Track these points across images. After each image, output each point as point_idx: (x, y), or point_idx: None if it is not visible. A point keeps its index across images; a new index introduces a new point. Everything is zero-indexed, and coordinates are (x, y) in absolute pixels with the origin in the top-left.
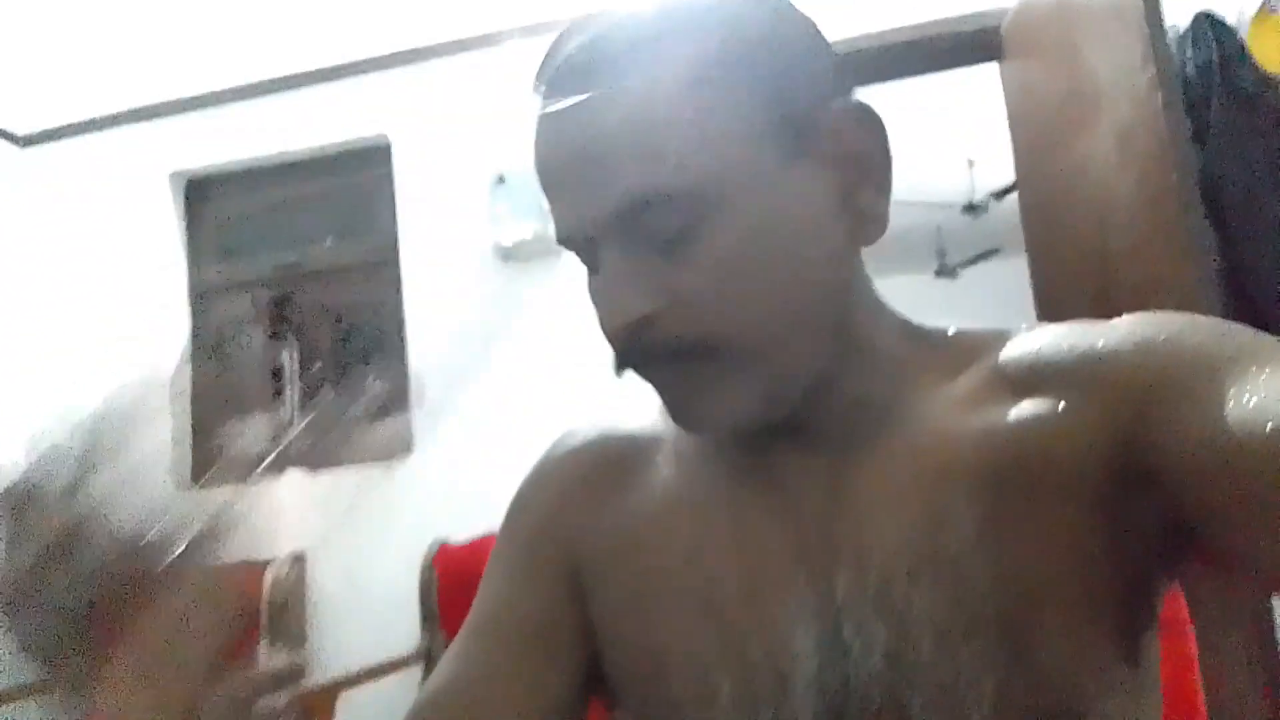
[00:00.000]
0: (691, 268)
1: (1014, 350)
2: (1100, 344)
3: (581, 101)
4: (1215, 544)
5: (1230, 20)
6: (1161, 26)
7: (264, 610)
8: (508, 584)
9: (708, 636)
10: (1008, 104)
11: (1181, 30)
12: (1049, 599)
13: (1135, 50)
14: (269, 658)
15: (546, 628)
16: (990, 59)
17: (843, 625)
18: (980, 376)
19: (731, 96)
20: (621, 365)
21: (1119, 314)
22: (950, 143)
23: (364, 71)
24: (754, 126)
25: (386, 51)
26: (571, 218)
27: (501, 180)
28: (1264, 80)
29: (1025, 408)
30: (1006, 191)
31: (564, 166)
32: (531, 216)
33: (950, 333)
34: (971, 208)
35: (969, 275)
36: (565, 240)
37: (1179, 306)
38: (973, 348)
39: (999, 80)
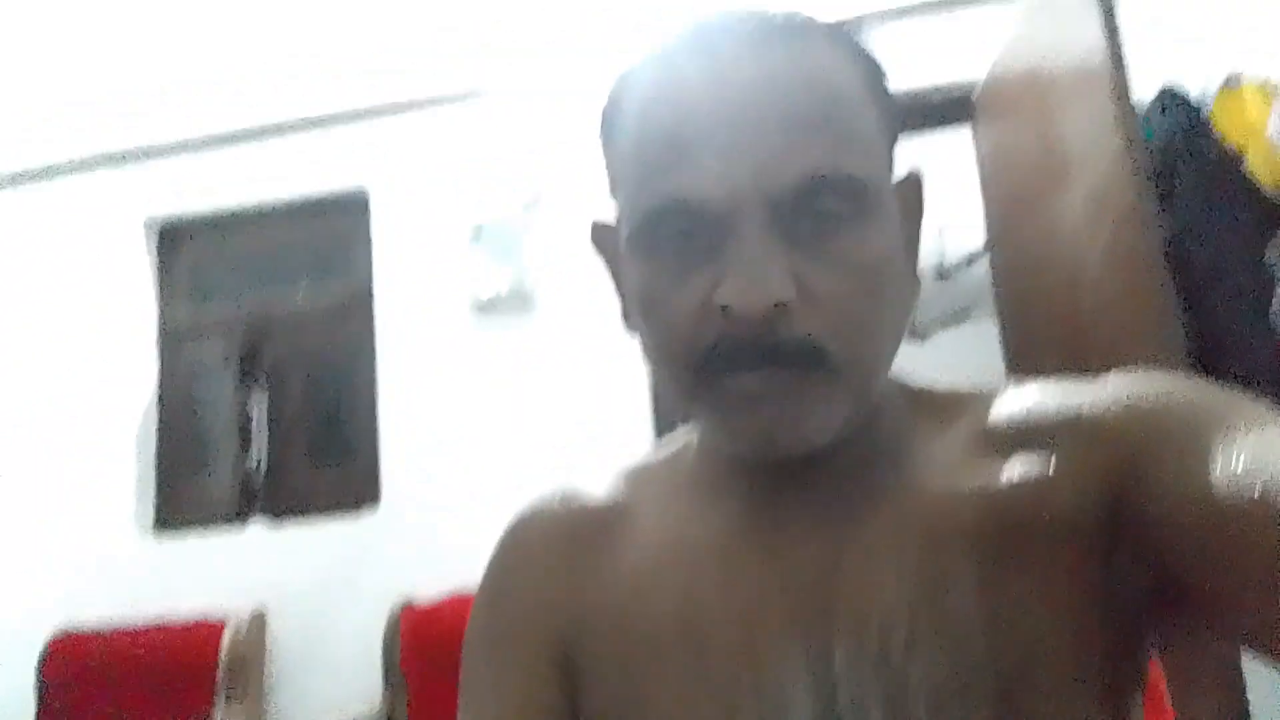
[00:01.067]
0: (836, 261)
1: (1003, 408)
2: (1088, 403)
3: (770, 35)
4: (1199, 604)
5: (1194, 94)
6: (1128, 95)
7: (221, 669)
8: (495, 692)
9: (700, 701)
10: (980, 168)
11: (1148, 104)
12: (1042, 662)
13: (1105, 117)
14: (226, 715)
15: None
16: (962, 122)
17: (838, 697)
18: (971, 433)
19: (882, 106)
20: (732, 358)
21: (1090, 372)
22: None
23: (344, 122)
24: (889, 147)
25: (367, 103)
26: (721, 183)
27: (479, 233)
28: (1227, 154)
29: (1016, 466)
30: (977, 257)
31: (735, 115)
32: (508, 270)
33: (939, 390)
34: (943, 271)
35: (940, 338)
36: (685, 206)
37: (1148, 366)
38: (961, 404)
39: (969, 148)
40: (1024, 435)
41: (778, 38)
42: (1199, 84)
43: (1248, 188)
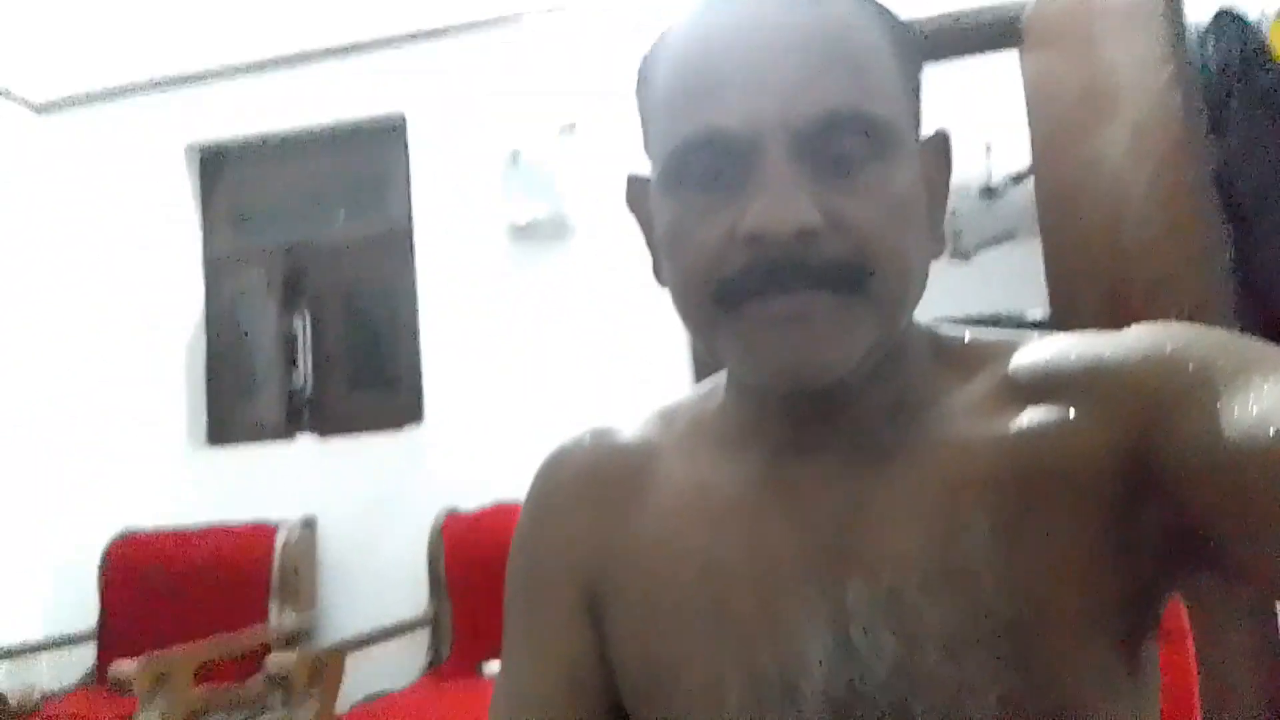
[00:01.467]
0: (861, 195)
1: (1024, 359)
2: (1108, 354)
3: (804, 6)
4: (1219, 551)
5: (1252, 18)
6: (1181, 23)
7: (274, 572)
8: (529, 641)
9: (719, 645)
10: (1026, 92)
11: (1203, 27)
12: (1055, 608)
13: (1154, 46)
14: (279, 618)
15: (579, 682)
16: (1010, 47)
17: (851, 634)
18: (992, 384)
19: (905, 65)
20: (759, 282)
21: (1131, 307)
22: (967, 127)
23: (381, 48)
24: (911, 101)
25: (404, 29)
26: (746, 113)
27: (516, 159)
28: None
29: (1035, 416)
30: (1023, 177)
31: (760, 56)
32: (545, 196)
33: (966, 339)
34: (988, 191)
35: (983, 258)
36: (712, 136)
37: (1191, 303)
38: (984, 355)
39: (1017, 67)
40: (1045, 385)
41: None
42: (1256, 8)
43: None
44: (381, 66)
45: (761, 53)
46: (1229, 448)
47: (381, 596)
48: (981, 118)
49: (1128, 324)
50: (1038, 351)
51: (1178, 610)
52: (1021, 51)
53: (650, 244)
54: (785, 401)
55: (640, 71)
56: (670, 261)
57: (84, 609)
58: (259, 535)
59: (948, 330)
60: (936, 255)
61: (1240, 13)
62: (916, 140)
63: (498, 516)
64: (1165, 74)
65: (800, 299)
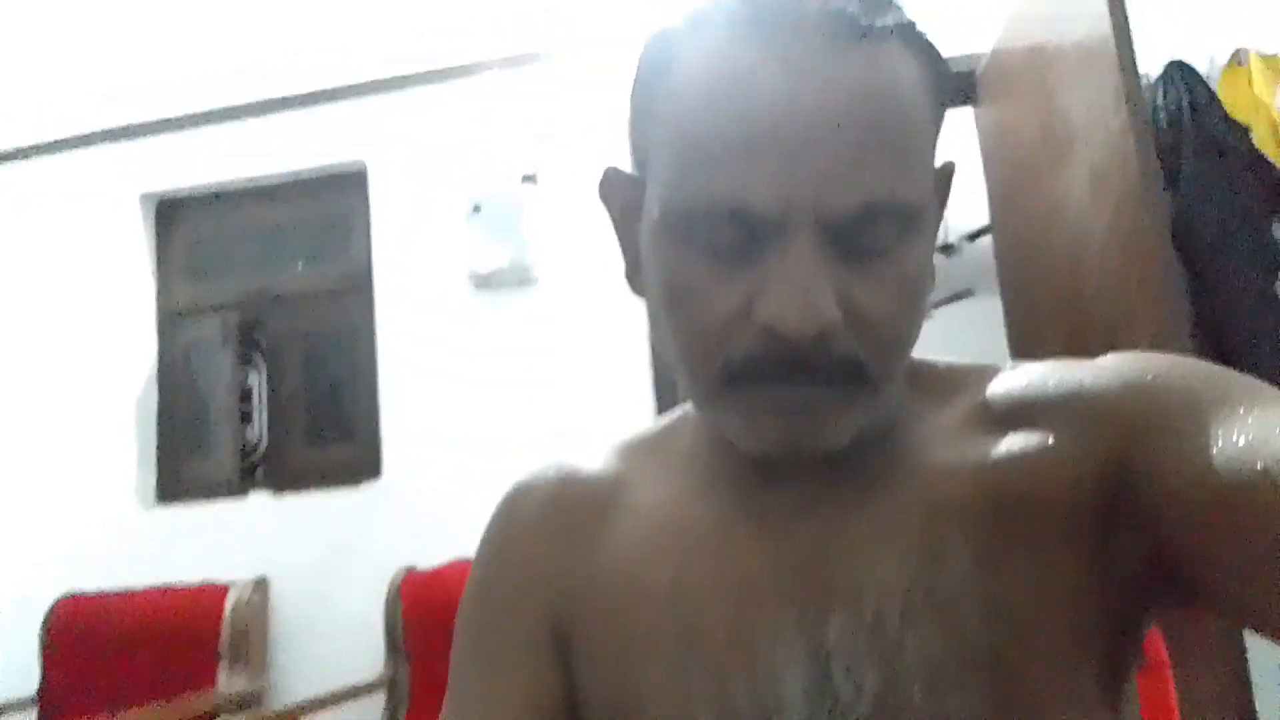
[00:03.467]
0: (881, 283)
1: (1001, 385)
2: (1087, 381)
3: (843, 40)
4: (1199, 580)
5: (1201, 69)
6: (1135, 70)
7: (224, 634)
8: (489, 673)
9: (690, 679)
10: (982, 146)
11: (1153, 78)
12: (1038, 638)
13: (1107, 94)
14: (229, 682)
15: (535, 714)
16: (964, 103)
17: (832, 669)
18: (969, 410)
19: (936, 116)
20: (769, 373)
21: (1092, 353)
22: None
23: (342, 98)
24: (933, 162)
25: (365, 78)
26: (777, 195)
27: (477, 209)
28: (1233, 128)
29: (1015, 443)
30: (980, 234)
31: (798, 129)
32: (507, 244)
33: (940, 367)
34: (946, 249)
35: (942, 314)
36: (735, 212)
37: (1151, 346)
38: (960, 381)
39: (971, 124)
40: (1022, 412)
41: (850, 35)
42: (1204, 60)
43: (1254, 161)
44: (342, 116)
45: (802, 124)
46: (1213, 479)
47: (336, 658)
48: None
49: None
50: (1015, 378)
51: (1158, 641)
52: (976, 107)
53: (623, 246)
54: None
55: (642, 72)
56: (670, 317)
57: (24, 675)
58: (208, 596)
59: (922, 358)
60: (930, 289)
61: (1190, 64)
62: (933, 187)
63: (458, 574)
64: (1119, 120)
65: (805, 392)
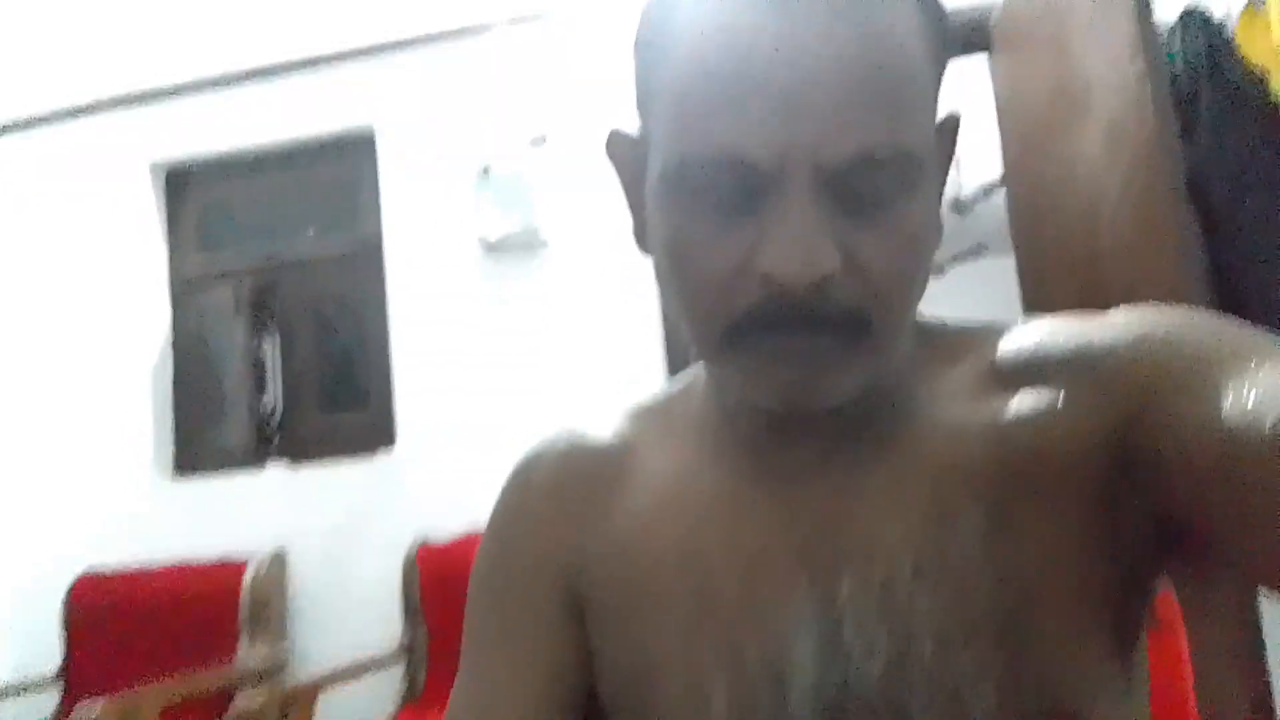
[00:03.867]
0: (881, 234)
1: (1010, 343)
2: (1097, 338)
3: (851, 6)
4: (1211, 539)
5: (1217, 16)
6: (1150, 20)
7: (243, 607)
8: (502, 641)
9: (703, 643)
10: (996, 98)
11: (1169, 25)
12: (1048, 598)
13: (1124, 44)
14: (248, 654)
15: (562, 690)
16: (979, 50)
17: (844, 629)
18: (978, 370)
19: (938, 64)
20: (771, 323)
21: (1106, 309)
22: None
23: (348, 60)
24: (937, 103)
25: (373, 41)
26: (774, 143)
27: (486, 173)
28: (1251, 75)
29: (1024, 402)
30: (993, 189)
31: (795, 78)
32: (516, 209)
33: (949, 325)
34: (959, 205)
35: (956, 273)
36: (733, 162)
37: (1167, 303)
38: (969, 340)
39: (983, 77)
40: (1032, 372)
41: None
42: (1221, 6)
43: (1272, 110)
44: (349, 79)
45: (797, 73)
46: (1224, 435)
47: (355, 629)
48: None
49: None
50: (1024, 336)
51: (1169, 600)
52: (990, 56)
53: (631, 206)
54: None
55: (643, 25)
56: (673, 273)
57: (47, 652)
58: (227, 571)
59: (928, 318)
60: (936, 245)
61: (1206, 11)
62: (935, 135)
63: (473, 545)
64: (1135, 70)
65: (806, 342)
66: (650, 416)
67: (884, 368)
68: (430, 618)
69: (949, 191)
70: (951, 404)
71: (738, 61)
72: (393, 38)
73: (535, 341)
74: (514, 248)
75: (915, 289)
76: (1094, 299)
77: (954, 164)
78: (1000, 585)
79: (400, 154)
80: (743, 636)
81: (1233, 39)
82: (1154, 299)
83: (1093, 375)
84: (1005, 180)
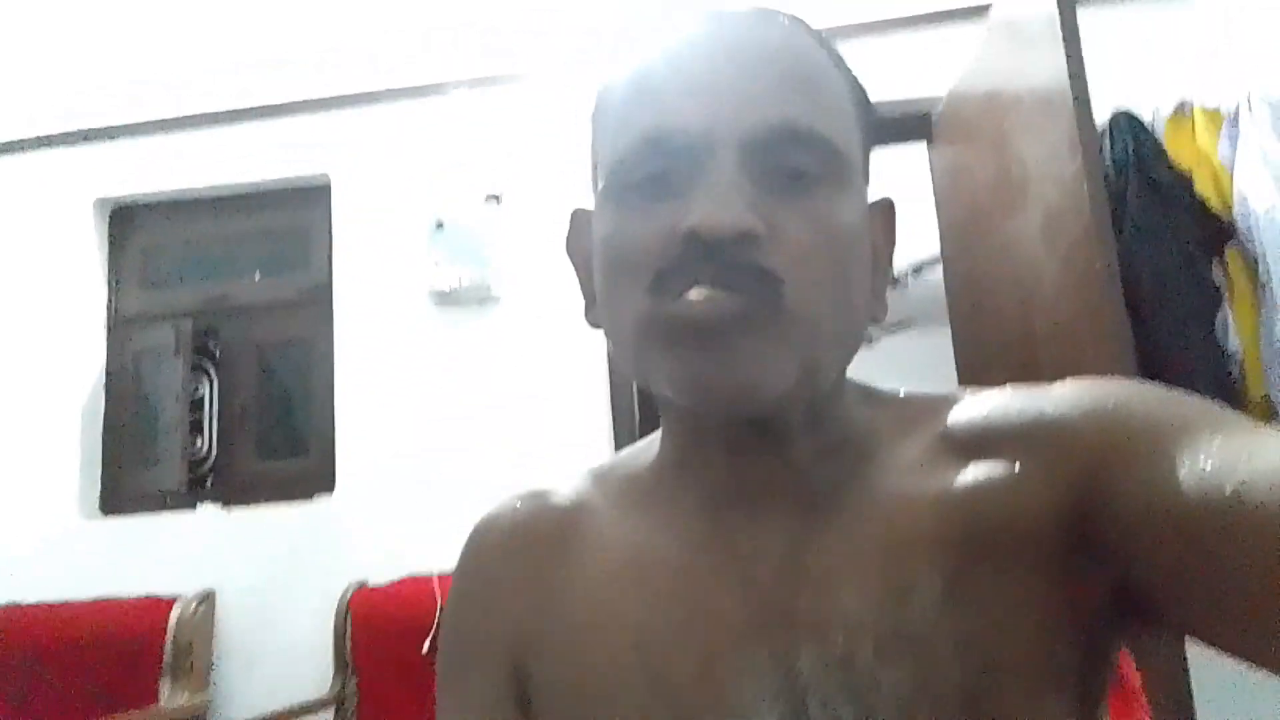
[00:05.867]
0: (801, 216)
1: (962, 413)
2: (1049, 409)
3: (759, 14)
4: (1170, 607)
5: (1146, 118)
6: (1090, 120)
7: (168, 648)
8: (454, 714)
9: None
10: (935, 184)
11: (1101, 127)
12: (1011, 669)
13: (1063, 139)
14: (171, 698)
15: None
16: (920, 140)
17: (808, 707)
18: (929, 439)
19: (859, 115)
20: (689, 272)
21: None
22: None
23: (309, 111)
24: (863, 148)
25: (333, 92)
26: (698, 116)
27: (440, 226)
28: (1178, 176)
29: (979, 472)
30: (923, 267)
31: (717, 66)
32: (469, 263)
33: (902, 394)
34: (891, 281)
35: (886, 344)
36: (662, 136)
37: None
38: (921, 409)
39: (922, 161)
40: (985, 441)
41: (764, 17)
42: (1149, 111)
43: (1195, 208)
44: (307, 128)
45: (722, 61)
46: (1180, 505)
47: (283, 675)
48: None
49: None
50: (976, 406)
51: (1129, 661)
52: (931, 145)
53: (585, 288)
54: (722, 434)
55: (597, 99)
56: (606, 267)
57: None
58: (151, 609)
59: (882, 388)
60: (878, 319)
61: (1136, 114)
62: (866, 190)
63: (409, 590)
64: (1074, 167)
65: (721, 300)
66: (609, 478)
67: (807, 372)
68: (361, 666)
69: None
70: (906, 473)
71: (666, 68)
72: (353, 90)
73: (482, 395)
74: (465, 301)
75: (836, 285)
76: (1028, 377)
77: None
78: (961, 657)
79: (355, 203)
80: (700, 715)
81: (1160, 140)
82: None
83: (1046, 446)
84: (944, 261)
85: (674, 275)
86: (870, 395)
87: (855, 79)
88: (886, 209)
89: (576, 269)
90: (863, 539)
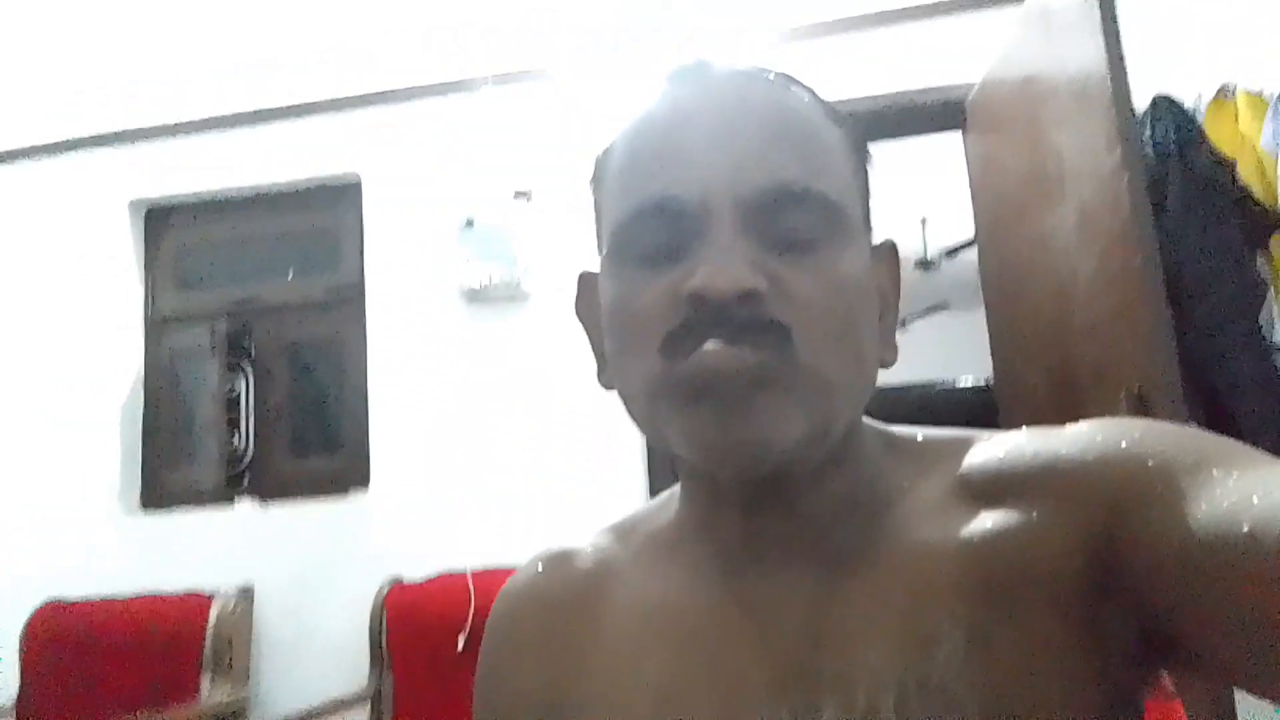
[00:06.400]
0: (804, 272)
1: (978, 458)
2: (1064, 452)
3: (755, 76)
4: (1193, 648)
5: (1187, 104)
6: (1130, 111)
7: (207, 644)
8: None
9: None
10: (970, 172)
11: (1140, 112)
12: (1036, 717)
13: (1101, 132)
14: (211, 693)
15: None
16: (954, 129)
17: None
18: (947, 485)
19: (857, 166)
20: (699, 332)
21: (1079, 384)
22: (905, 200)
23: (339, 109)
24: (862, 199)
25: (361, 90)
26: (697, 182)
27: (471, 224)
28: (1220, 163)
29: (997, 519)
30: (957, 250)
31: (710, 132)
32: (499, 260)
33: (919, 438)
34: (924, 264)
35: (919, 327)
36: (663, 204)
37: (1139, 383)
38: (937, 454)
39: (952, 143)
40: (1002, 487)
41: (763, 79)
42: (1191, 95)
43: (1238, 197)
44: (337, 128)
45: (715, 127)
46: (1198, 546)
47: (320, 669)
48: (918, 192)
49: (1075, 400)
50: (992, 450)
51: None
52: (965, 133)
53: (596, 349)
54: (738, 493)
55: (596, 165)
56: (615, 332)
57: (3, 683)
58: (192, 605)
59: (899, 429)
60: (889, 364)
61: (1177, 98)
62: (868, 238)
63: (444, 586)
64: (1113, 159)
65: (731, 354)
66: (631, 534)
67: (820, 427)
68: (397, 661)
69: (915, 253)
70: (923, 521)
71: (665, 134)
72: (381, 88)
73: (512, 391)
74: (495, 298)
75: (845, 338)
76: (1064, 372)
77: (921, 223)
78: (986, 709)
79: (386, 202)
80: None
81: (1201, 127)
82: (1124, 377)
83: (1063, 491)
84: (979, 250)
85: (684, 337)
86: (888, 440)
87: (850, 125)
88: (889, 252)
89: (587, 331)
90: (883, 592)
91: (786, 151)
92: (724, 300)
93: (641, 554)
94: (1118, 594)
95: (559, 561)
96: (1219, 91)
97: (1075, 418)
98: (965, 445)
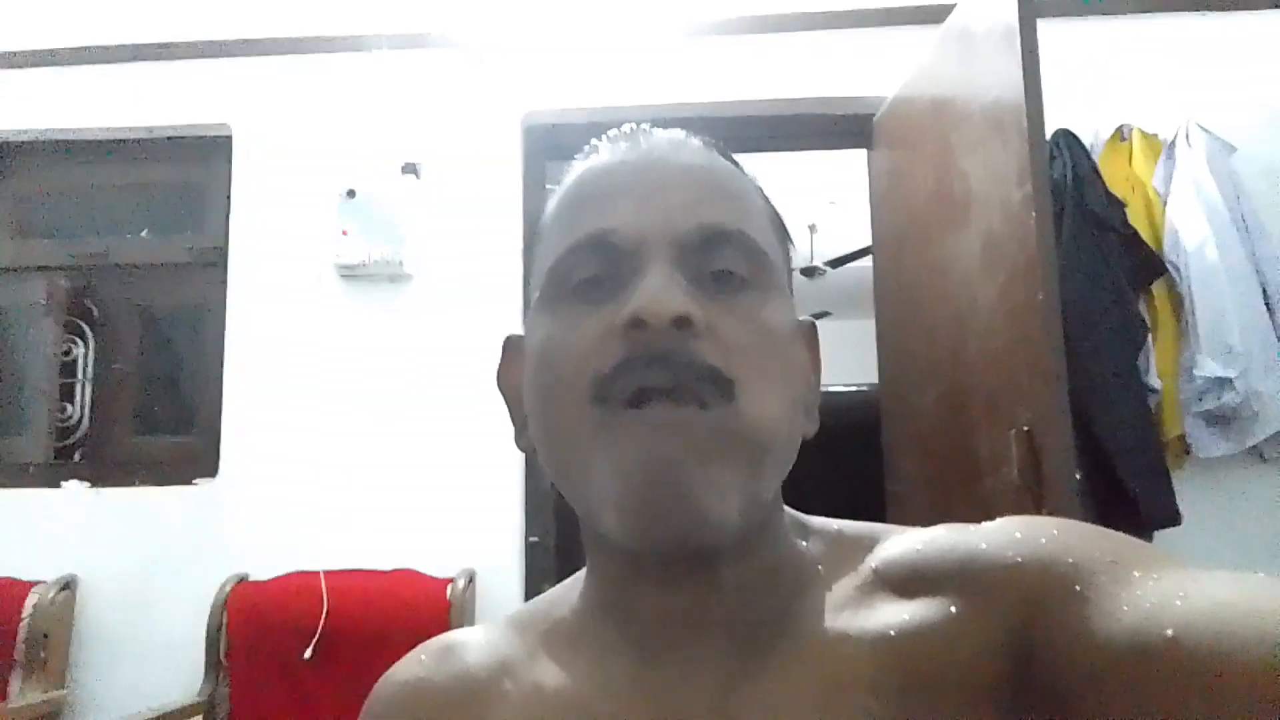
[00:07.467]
0: (733, 315)
1: (895, 550)
2: (984, 546)
3: (686, 141)
4: None
5: (1086, 141)
6: (1044, 144)
7: (20, 638)
8: None
9: None
10: (872, 187)
11: None
12: None
13: (1013, 163)
14: (21, 693)
15: None
16: (860, 146)
17: None
18: (864, 575)
19: (780, 239)
20: (637, 372)
21: (970, 412)
22: (794, 209)
23: (213, 55)
24: (785, 262)
25: (241, 35)
26: (632, 220)
27: (352, 194)
28: (1112, 202)
29: (915, 612)
30: (842, 262)
31: (649, 178)
32: (380, 236)
33: (834, 528)
34: (810, 270)
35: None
36: (597, 239)
37: (1031, 416)
38: (854, 544)
39: (853, 156)
40: (921, 579)
41: (695, 143)
42: (1089, 131)
43: (1128, 237)
44: (210, 73)
45: (651, 176)
46: (1118, 647)
47: (150, 674)
48: (806, 201)
49: (966, 429)
50: (908, 542)
51: None
52: (870, 151)
53: (515, 416)
54: (657, 568)
55: (534, 231)
56: (542, 377)
57: None
58: (5, 593)
59: (811, 518)
60: (809, 434)
61: (1076, 134)
62: (793, 304)
63: (294, 587)
64: (1023, 192)
65: (674, 414)
66: (528, 628)
67: (755, 495)
68: (237, 669)
69: (802, 259)
70: (839, 609)
71: (602, 181)
72: (264, 34)
73: (386, 380)
74: (374, 277)
75: (777, 382)
76: (956, 401)
77: (808, 231)
78: None
79: (259, 160)
80: None
81: (1096, 164)
82: (1017, 408)
83: (982, 586)
84: (875, 266)
85: (617, 378)
86: (803, 525)
87: (771, 204)
88: (809, 330)
89: (506, 398)
90: (798, 681)
91: (719, 200)
92: (661, 324)
93: (540, 647)
94: (1036, 692)
95: (445, 653)
96: (1116, 131)
97: (966, 447)
98: (879, 536)
